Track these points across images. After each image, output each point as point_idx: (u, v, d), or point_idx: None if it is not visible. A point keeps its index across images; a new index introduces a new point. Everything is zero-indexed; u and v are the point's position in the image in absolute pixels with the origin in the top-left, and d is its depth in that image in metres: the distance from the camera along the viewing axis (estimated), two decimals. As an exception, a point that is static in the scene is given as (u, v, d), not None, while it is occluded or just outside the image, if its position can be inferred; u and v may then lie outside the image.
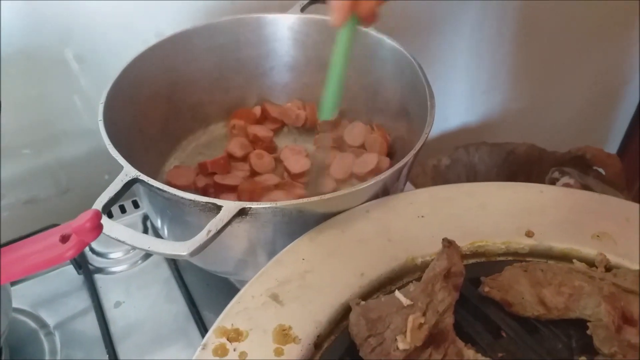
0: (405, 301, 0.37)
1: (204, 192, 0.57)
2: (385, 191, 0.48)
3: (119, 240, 0.38)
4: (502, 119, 1.08)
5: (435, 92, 0.52)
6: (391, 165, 0.59)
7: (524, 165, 0.92)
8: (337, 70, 0.48)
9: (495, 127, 1.08)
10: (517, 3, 0.91)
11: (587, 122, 1.21)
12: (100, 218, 0.32)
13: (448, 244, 0.39)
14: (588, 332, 0.38)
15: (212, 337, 0.37)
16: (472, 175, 0.94)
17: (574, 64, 1.07)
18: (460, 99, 1.00)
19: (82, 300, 0.57)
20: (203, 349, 0.37)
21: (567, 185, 0.84)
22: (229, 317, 0.38)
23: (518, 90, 1.06)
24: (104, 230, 0.36)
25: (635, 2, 0.99)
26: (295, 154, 0.61)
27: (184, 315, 0.55)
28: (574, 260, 0.43)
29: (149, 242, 0.39)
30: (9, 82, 0.59)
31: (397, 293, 0.38)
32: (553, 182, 0.85)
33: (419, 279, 0.43)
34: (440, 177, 0.91)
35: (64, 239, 0.32)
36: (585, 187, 0.82)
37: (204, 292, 0.57)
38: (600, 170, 0.86)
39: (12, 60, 0.57)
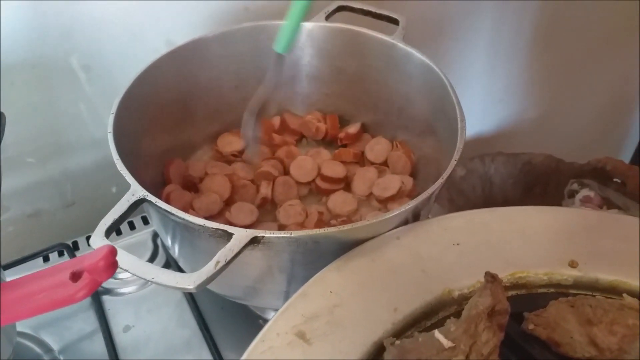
0: (446, 343, 0.34)
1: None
2: (415, 217, 0.45)
3: (121, 268, 0.36)
4: (517, 128, 1.06)
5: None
6: (414, 186, 0.56)
7: (541, 176, 0.89)
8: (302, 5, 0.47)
9: (510, 136, 1.06)
10: (534, 11, 0.88)
11: (603, 131, 1.19)
12: (115, 255, 0.29)
13: (492, 279, 0.36)
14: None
15: (235, 381, 0.34)
16: (488, 187, 0.91)
17: (590, 72, 1.05)
18: (476, 107, 0.98)
19: (89, 324, 0.54)
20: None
21: (587, 198, 0.81)
22: (253, 357, 0.35)
23: (534, 99, 1.04)
24: None
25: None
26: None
27: (197, 341, 0.53)
28: (624, 295, 0.40)
29: (152, 273, 0.36)
30: (14, 92, 0.56)
31: (436, 333, 0.35)
32: (572, 194, 0.82)
33: (455, 314, 0.40)
34: (455, 188, 0.89)
35: (75, 276, 0.28)
36: (606, 200, 0.79)
37: (218, 316, 0.55)
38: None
39: (17, 69, 0.55)
